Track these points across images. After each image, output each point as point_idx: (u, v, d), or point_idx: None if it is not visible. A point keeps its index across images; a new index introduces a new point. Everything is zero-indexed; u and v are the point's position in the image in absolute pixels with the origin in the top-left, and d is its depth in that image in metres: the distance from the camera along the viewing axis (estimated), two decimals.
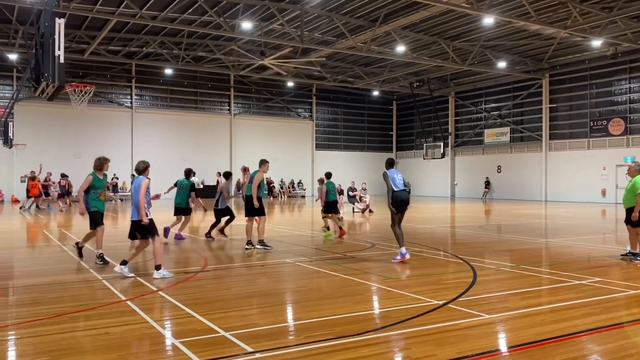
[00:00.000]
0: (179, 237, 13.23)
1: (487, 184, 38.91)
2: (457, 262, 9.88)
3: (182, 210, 13.41)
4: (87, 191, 9.44)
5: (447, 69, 35.18)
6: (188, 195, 13.29)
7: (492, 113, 39.32)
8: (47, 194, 26.53)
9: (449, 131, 42.00)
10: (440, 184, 42.85)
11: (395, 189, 9.84)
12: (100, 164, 9.53)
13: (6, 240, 14.29)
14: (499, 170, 38.72)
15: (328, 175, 15.61)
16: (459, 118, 42.35)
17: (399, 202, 9.84)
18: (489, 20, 24.51)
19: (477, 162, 40.45)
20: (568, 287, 7.63)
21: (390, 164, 10.30)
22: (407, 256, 9.70)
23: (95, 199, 9.49)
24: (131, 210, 8.36)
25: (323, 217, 15.62)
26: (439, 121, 40.00)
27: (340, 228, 14.30)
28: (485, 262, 9.98)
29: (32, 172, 26.52)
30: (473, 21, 26.30)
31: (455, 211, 25.97)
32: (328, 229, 15.04)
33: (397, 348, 5.08)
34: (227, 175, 13.69)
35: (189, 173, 13.65)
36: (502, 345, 5.18)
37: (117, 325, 5.67)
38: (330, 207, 14.99)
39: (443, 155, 38.86)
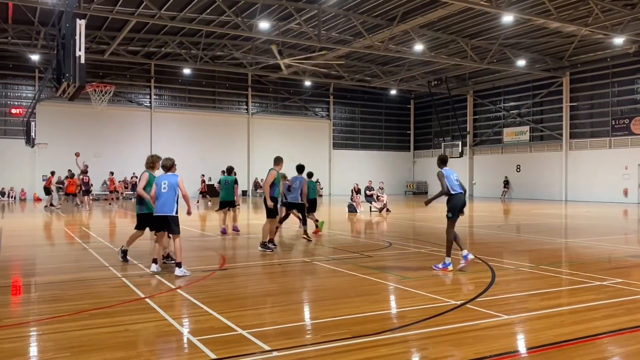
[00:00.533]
0: (225, 231, 14.20)
1: (506, 183, 38.52)
2: (476, 262, 9.77)
3: (228, 203, 14.46)
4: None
5: (466, 67, 34.90)
6: (233, 189, 14.41)
7: (511, 112, 38.89)
8: (85, 191, 25.51)
9: (467, 130, 41.64)
10: None
11: (452, 192, 8.76)
12: (153, 161, 9.33)
13: (30, 237, 14.52)
14: (518, 170, 38.30)
15: (309, 174, 15.56)
16: (477, 117, 41.97)
17: (456, 207, 8.77)
18: (508, 18, 24.24)
19: (496, 161, 40.05)
20: (588, 288, 7.53)
21: (443, 161, 9.04)
22: (451, 267, 8.82)
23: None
24: (158, 207, 8.49)
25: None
26: (457, 120, 39.68)
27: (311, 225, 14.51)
28: (504, 262, 9.89)
29: (69, 170, 26.55)
30: (492, 19, 26.05)
31: (474, 211, 25.72)
32: (317, 221, 14.90)
33: (415, 348, 5.05)
34: (301, 168, 13.10)
35: (230, 170, 14.75)
36: (521, 347, 5.13)
37: (137, 323, 5.75)
38: (311, 205, 14.78)
39: (461, 155, 38.55)
